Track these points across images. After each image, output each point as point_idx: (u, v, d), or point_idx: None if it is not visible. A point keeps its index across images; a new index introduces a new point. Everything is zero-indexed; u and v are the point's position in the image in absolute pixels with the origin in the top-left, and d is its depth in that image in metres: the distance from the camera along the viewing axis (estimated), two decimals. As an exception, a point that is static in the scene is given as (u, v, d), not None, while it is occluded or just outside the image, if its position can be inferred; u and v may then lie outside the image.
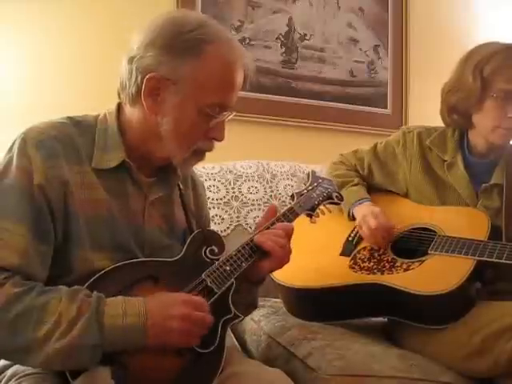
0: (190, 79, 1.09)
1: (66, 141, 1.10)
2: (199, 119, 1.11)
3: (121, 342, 0.98)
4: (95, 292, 1.01)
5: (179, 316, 1.02)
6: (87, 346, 0.96)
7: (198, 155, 1.18)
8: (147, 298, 1.03)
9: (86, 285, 1.03)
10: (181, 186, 1.27)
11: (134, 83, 1.10)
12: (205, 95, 1.10)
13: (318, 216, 1.38)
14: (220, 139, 1.16)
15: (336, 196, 1.43)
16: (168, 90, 1.09)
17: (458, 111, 1.60)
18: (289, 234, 1.23)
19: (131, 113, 1.16)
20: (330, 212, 1.44)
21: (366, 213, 1.57)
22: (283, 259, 1.22)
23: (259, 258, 1.20)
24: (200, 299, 1.08)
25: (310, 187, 1.40)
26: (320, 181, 1.43)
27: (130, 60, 1.11)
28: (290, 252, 1.23)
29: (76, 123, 1.15)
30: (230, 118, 1.16)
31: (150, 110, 1.11)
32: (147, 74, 1.08)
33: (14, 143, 1.09)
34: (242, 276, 1.21)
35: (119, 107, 1.19)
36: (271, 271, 1.25)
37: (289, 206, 1.33)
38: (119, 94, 1.17)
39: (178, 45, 1.08)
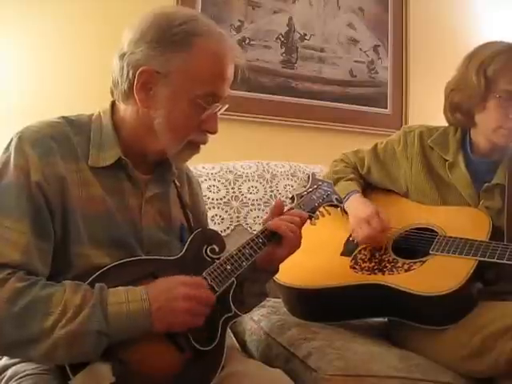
0: (180, 71, 1.10)
1: (62, 139, 1.11)
2: (191, 111, 1.12)
3: (125, 328, 0.99)
4: (97, 283, 1.02)
5: (182, 296, 1.03)
6: (92, 332, 0.96)
7: (193, 148, 1.18)
8: (148, 285, 1.04)
9: (87, 282, 1.03)
10: (177, 184, 1.28)
11: (126, 79, 1.11)
12: (196, 86, 1.11)
13: (318, 218, 1.39)
14: (213, 131, 1.16)
15: (336, 198, 1.44)
16: (160, 83, 1.10)
17: (461, 110, 1.59)
18: (302, 221, 1.27)
19: (124, 110, 1.16)
20: (330, 214, 1.45)
21: (358, 219, 1.56)
22: (295, 245, 1.25)
23: (272, 245, 1.23)
24: (198, 279, 1.09)
25: (310, 189, 1.41)
26: (320, 183, 1.44)
27: (121, 57, 1.12)
28: (301, 238, 1.25)
29: (71, 122, 1.16)
30: (222, 110, 1.17)
31: (143, 103, 1.11)
32: (139, 69, 1.09)
33: (10, 143, 1.10)
34: (259, 267, 1.25)
35: (113, 105, 1.20)
36: (285, 258, 1.27)
37: (289, 207, 1.33)
38: (112, 93, 1.18)
39: (168, 38, 1.09)
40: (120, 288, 1.02)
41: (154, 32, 1.09)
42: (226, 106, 1.17)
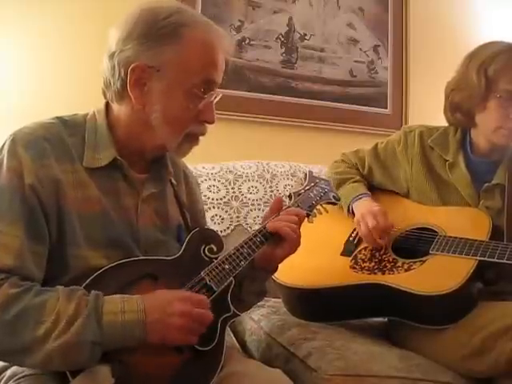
0: (172, 64, 1.10)
1: (56, 140, 1.10)
2: (188, 102, 1.12)
3: (120, 338, 0.98)
4: (93, 290, 1.01)
5: (178, 312, 1.01)
6: (86, 343, 0.95)
7: (192, 140, 1.18)
8: (146, 296, 1.03)
9: (85, 284, 1.03)
10: (173, 182, 1.28)
11: (118, 78, 1.11)
12: (189, 76, 1.11)
13: (316, 216, 1.38)
14: (211, 121, 1.16)
15: (333, 196, 1.44)
16: (153, 78, 1.10)
17: (462, 110, 1.59)
18: (300, 219, 1.26)
19: (119, 109, 1.16)
20: (328, 212, 1.44)
21: (365, 211, 1.57)
22: (295, 244, 1.24)
23: (272, 245, 1.22)
24: (200, 296, 1.08)
25: (308, 187, 1.40)
26: (317, 181, 1.44)
27: (111, 56, 1.12)
28: (300, 236, 1.25)
29: (65, 123, 1.15)
30: (217, 98, 1.17)
31: (138, 100, 1.11)
32: (130, 66, 1.09)
33: (3, 145, 1.09)
34: (258, 266, 1.25)
35: (107, 106, 1.19)
36: (285, 258, 1.27)
37: (287, 205, 1.32)
38: (104, 94, 1.18)
39: (156, 32, 1.09)
40: (116, 296, 1.01)
41: (140, 28, 1.09)
42: (220, 95, 1.17)
